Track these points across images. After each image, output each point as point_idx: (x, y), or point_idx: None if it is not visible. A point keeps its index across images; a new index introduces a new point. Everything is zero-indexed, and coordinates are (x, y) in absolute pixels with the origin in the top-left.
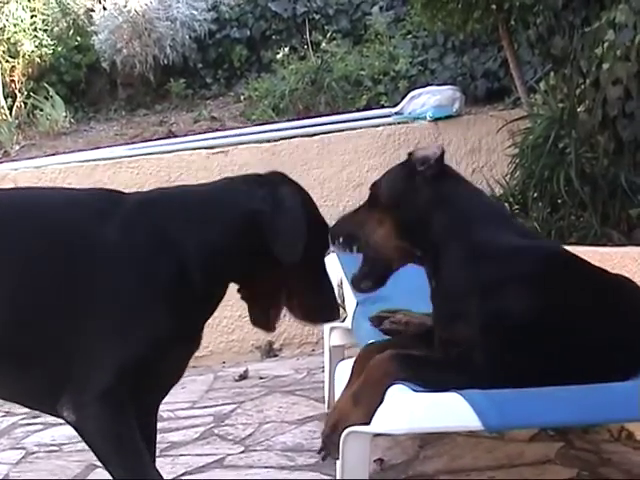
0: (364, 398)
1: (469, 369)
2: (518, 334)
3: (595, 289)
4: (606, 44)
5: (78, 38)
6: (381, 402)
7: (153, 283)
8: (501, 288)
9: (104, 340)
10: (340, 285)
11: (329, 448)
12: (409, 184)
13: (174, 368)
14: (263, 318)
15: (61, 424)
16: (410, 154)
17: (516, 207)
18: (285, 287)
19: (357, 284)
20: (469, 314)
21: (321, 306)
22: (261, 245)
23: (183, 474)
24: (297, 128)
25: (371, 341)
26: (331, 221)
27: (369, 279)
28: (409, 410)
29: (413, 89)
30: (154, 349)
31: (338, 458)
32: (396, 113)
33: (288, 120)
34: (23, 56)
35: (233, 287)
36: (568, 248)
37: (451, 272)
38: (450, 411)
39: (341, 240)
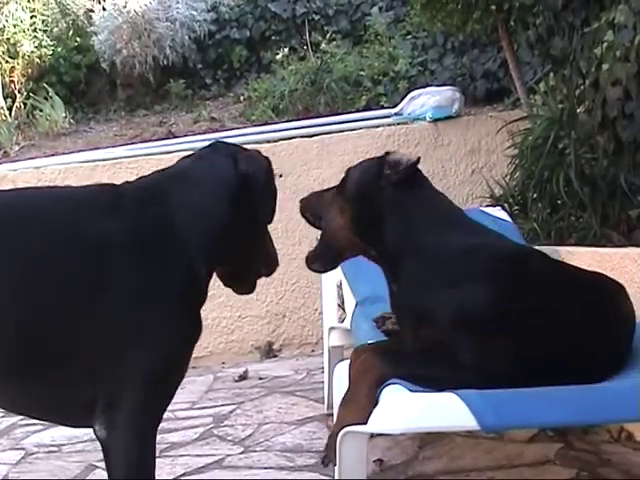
0: (352, 398)
1: (445, 361)
2: (475, 329)
3: (555, 286)
4: (605, 45)
5: (78, 39)
6: (371, 398)
7: (170, 282)
8: (455, 287)
9: (129, 345)
10: (339, 286)
11: (330, 456)
12: (374, 183)
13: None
14: (250, 286)
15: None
16: (386, 153)
17: (516, 208)
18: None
19: (309, 262)
20: (430, 314)
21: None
22: (251, 211)
23: (182, 475)
24: (297, 129)
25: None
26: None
27: (320, 261)
28: (405, 410)
29: (413, 90)
30: (179, 350)
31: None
32: (396, 114)
33: (288, 121)
34: (23, 57)
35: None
36: (569, 249)
37: (408, 276)
38: (446, 411)
39: (308, 216)
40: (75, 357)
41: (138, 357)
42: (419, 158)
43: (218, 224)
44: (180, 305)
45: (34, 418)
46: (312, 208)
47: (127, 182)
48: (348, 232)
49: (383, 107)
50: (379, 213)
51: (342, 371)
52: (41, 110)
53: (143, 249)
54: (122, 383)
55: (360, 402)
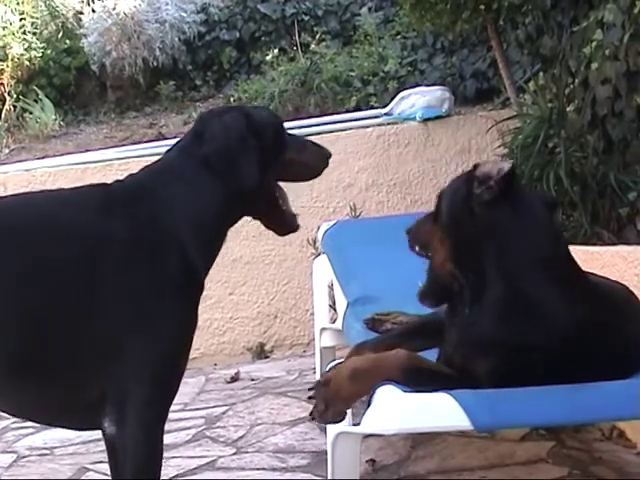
0: (363, 378)
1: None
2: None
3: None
4: (595, 43)
5: (67, 41)
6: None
7: (167, 278)
8: (526, 353)
9: (130, 343)
10: (330, 286)
11: (319, 409)
12: (464, 207)
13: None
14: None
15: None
16: (475, 167)
17: None
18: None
19: (421, 299)
20: (488, 358)
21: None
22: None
23: (175, 476)
24: (287, 129)
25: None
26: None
27: (429, 298)
28: (399, 410)
29: (402, 90)
30: (178, 345)
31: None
32: (385, 114)
33: None
34: (12, 59)
35: (223, 289)
36: None
37: (487, 314)
38: (440, 411)
39: (417, 249)
40: (77, 357)
41: (140, 354)
42: (513, 166)
43: (208, 219)
44: (177, 300)
45: (40, 423)
46: (418, 240)
47: (118, 181)
48: (449, 263)
49: (373, 107)
50: (476, 239)
51: None
52: (31, 113)
53: (138, 247)
54: (128, 380)
55: (365, 388)
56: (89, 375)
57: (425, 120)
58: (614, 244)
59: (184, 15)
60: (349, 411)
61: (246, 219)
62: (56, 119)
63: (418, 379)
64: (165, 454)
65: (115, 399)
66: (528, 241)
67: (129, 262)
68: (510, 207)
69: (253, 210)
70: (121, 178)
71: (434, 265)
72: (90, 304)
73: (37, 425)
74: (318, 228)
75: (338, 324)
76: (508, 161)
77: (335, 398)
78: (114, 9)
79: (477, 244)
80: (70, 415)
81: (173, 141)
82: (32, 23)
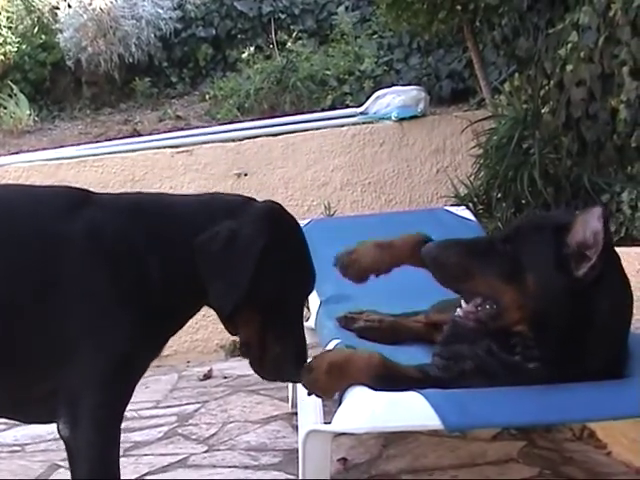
0: (336, 374)
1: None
2: None
3: None
4: (570, 46)
5: (43, 36)
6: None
7: (118, 284)
8: None
9: (81, 344)
10: None
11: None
12: (563, 286)
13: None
14: (254, 361)
15: (24, 424)
16: (559, 231)
17: (480, 207)
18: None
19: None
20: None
21: (284, 361)
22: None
23: (146, 474)
24: (262, 127)
25: (336, 341)
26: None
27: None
28: (370, 409)
29: (378, 89)
30: (130, 348)
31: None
32: (361, 113)
33: (253, 119)
34: None
35: None
36: None
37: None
38: (410, 410)
39: (459, 290)
40: (28, 355)
41: (90, 357)
42: (607, 219)
43: (179, 258)
44: (127, 305)
45: None
46: (468, 290)
47: (106, 194)
48: (522, 326)
49: (348, 106)
50: (571, 316)
51: None
52: (5, 108)
53: (96, 251)
54: (79, 381)
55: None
56: (41, 371)
57: (400, 120)
58: None
59: (160, 11)
60: (320, 409)
61: None
62: (31, 114)
63: (387, 385)
64: (137, 451)
65: (68, 401)
66: (622, 317)
67: (86, 266)
68: (609, 279)
69: None
70: (95, 175)
71: (496, 318)
72: (40, 302)
73: (8, 422)
74: None
75: (311, 322)
76: (597, 211)
77: (314, 388)
78: (90, 5)
79: (571, 320)
80: (23, 408)
81: (148, 138)
82: (7, 18)
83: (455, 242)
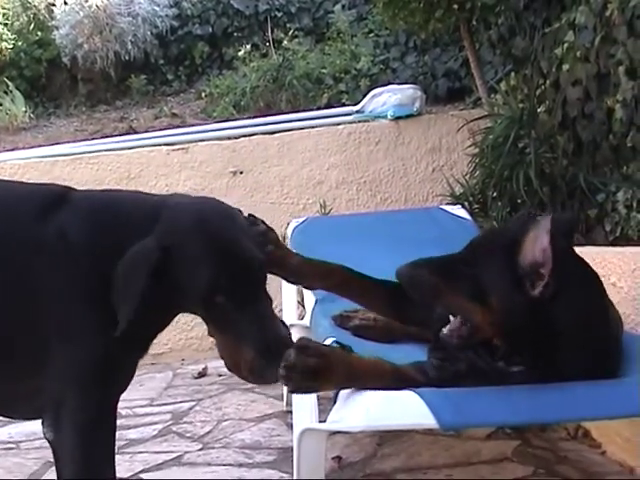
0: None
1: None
2: None
3: None
4: (566, 45)
5: (39, 33)
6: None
7: (86, 286)
8: None
9: (60, 349)
10: None
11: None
12: (521, 305)
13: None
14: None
15: (18, 421)
16: (513, 247)
17: (476, 206)
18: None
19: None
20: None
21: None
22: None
23: (141, 472)
24: (258, 125)
25: (331, 339)
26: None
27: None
28: (365, 408)
29: (374, 88)
30: (105, 349)
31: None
32: (357, 111)
33: (249, 117)
34: None
35: None
36: None
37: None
38: (406, 409)
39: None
40: (9, 352)
41: (66, 358)
42: (553, 235)
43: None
44: (97, 307)
45: None
46: (444, 305)
47: (87, 191)
48: (497, 339)
49: (344, 105)
50: (537, 327)
51: None
52: (1, 104)
53: (65, 252)
54: (60, 384)
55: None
56: (23, 369)
57: (396, 118)
58: (582, 245)
59: (157, 9)
60: (315, 408)
61: None
62: (26, 111)
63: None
64: (131, 449)
65: (50, 403)
66: (593, 321)
67: (54, 266)
68: (570, 289)
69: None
70: (91, 172)
71: (473, 334)
72: (21, 302)
73: (3, 419)
74: (288, 225)
75: (306, 321)
76: (545, 225)
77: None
78: (86, 1)
79: (538, 332)
80: (10, 404)
81: (143, 135)
82: (3, 14)
83: (427, 261)
